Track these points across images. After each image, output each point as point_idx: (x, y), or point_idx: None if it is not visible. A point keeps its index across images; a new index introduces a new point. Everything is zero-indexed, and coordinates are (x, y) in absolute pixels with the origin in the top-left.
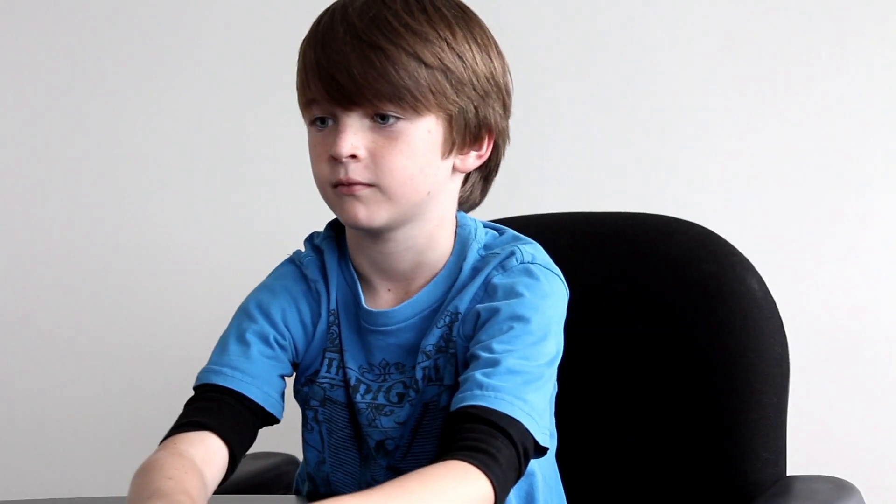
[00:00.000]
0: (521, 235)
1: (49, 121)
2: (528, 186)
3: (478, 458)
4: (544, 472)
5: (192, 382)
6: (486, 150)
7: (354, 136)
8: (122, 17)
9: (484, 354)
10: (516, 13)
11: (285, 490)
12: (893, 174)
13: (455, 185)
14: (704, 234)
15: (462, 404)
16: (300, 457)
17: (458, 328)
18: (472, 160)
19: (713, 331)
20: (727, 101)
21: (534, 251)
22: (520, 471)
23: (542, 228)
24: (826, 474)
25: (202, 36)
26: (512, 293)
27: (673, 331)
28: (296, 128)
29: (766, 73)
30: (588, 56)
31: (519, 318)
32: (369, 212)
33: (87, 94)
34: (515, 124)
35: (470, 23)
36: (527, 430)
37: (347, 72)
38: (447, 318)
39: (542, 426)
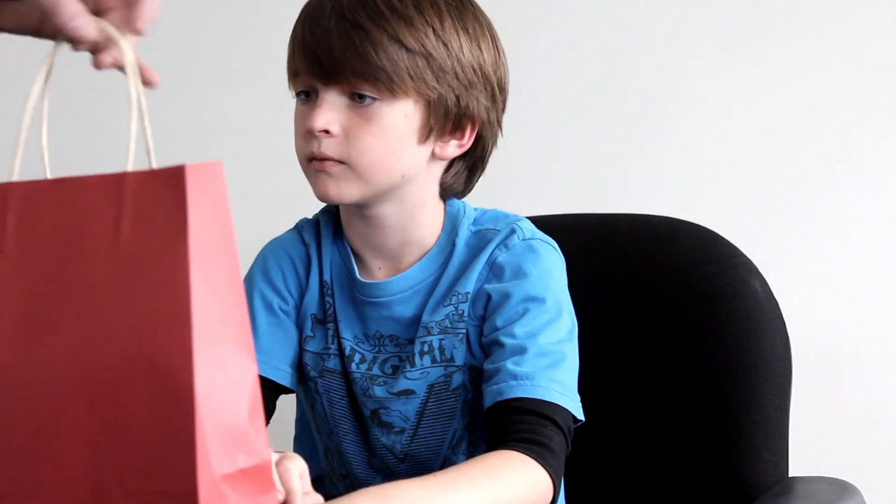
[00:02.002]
0: (507, 212)
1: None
2: (530, 187)
3: (535, 451)
4: None
5: None
6: (467, 139)
7: (331, 111)
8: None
9: (508, 341)
10: (520, 13)
11: None
12: None
13: (436, 170)
14: (707, 235)
15: (503, 397)
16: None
17: (468, 309)
18: (453, 148)
19: (715, 332)
20: (730, 102)
21: (531, 227)
22: (567, 453)
23: (545, 230)
24: (828, 475)
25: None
26: (519, 272)
27: (675, 332)
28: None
29: (770, 74)
30: (590, 56)
31: (533, 299)
32: (339, 188)
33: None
34: (518, 124)
35: (464, 13)
36: (567, 412)
37: (328, 48)
38: (454, 299)
39: (576, 401)
